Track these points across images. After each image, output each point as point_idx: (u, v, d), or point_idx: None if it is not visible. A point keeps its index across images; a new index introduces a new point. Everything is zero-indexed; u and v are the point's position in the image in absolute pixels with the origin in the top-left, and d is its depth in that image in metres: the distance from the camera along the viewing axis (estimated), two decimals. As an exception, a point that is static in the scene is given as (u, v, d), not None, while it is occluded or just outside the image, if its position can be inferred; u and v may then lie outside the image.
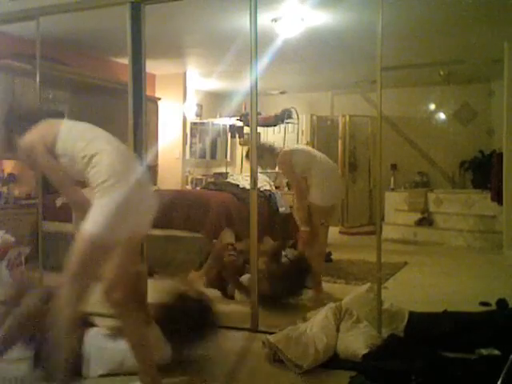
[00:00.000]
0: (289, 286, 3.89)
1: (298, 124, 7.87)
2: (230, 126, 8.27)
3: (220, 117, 8.32)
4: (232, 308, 3.79)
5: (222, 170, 8.33)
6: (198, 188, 7.28)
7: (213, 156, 8.53)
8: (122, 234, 2.12)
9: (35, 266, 4.02)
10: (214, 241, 5.13)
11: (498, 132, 7.25)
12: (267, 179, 6.60)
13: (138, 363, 2.35)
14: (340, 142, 8.56)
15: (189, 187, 7.65)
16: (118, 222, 2.08)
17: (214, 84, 7.98)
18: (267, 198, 6.15)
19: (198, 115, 8.37)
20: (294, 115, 7.61)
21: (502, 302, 3.57)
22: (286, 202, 6.33)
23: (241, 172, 7.99)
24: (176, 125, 7.59)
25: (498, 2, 4.60)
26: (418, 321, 3.11)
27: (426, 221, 7.51)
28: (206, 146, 8.34)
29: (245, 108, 7.57)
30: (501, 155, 6.23)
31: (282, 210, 6.26)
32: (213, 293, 3.86)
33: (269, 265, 3.89)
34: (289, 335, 2.83)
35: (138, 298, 2.46)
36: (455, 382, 2.43)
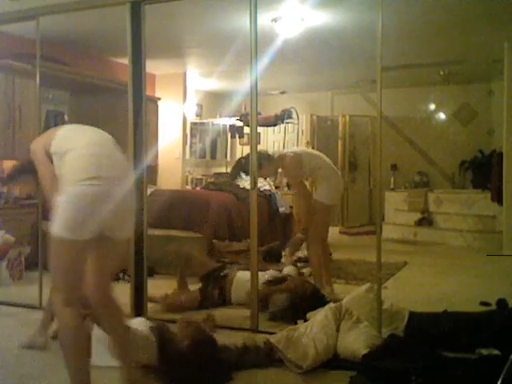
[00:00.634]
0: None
1: (298, 124, 7.88)
2: (230, 126, 8.27)
3: (220, 117, 8.33)
4: (232, 309, 3.79)
5: (222, 170, 8.32)
6: (198, 188, 7.29)
7: (213, 156, 8.54)
8: (88, 228, 2.05)
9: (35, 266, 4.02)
10: (214, 241, 5.15)
11: (498, 132, 7.25)
12: (267, 179, 6.60)
13: (120, 362, 2.34)
14: (340, 141, 8.57)
15: (189, 187, 7.64)
16: (79, 217, 2.03)
17: (214, 84, 7.98)
18: (267, 198, 6.16)
19: (198, 115, 8.37)
20: (294, 115, 7.60)
21: (501, 302, 3.57)
22: (285, 202, 6.34)
23: (241, 172, 7.98)
24: (176, 125, 7.59)
25: (498, 2, 4.61)
26: (418, 321, 3.10)
27: (425, 221, 7.51)
28: (205, 145, 8.34)
29: (245, 108, 7.57)
30: (501, 155, 6.23)
31: (281, 209, 6.27)
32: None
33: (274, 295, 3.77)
34: (289, 335, 2.83)
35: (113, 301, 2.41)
36: (455, 382, 2.42)
